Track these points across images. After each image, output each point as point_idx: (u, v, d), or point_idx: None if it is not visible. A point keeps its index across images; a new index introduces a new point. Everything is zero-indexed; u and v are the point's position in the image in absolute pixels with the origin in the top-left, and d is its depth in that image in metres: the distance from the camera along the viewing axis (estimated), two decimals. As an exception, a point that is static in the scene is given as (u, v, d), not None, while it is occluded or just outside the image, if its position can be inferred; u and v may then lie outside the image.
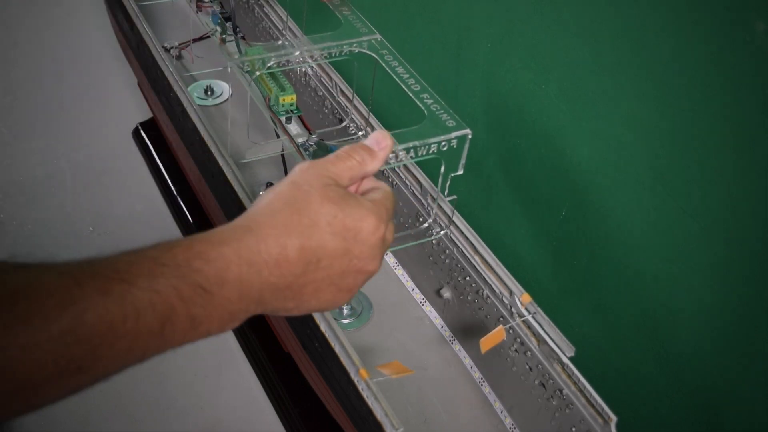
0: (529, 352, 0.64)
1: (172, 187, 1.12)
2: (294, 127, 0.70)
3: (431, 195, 0.73)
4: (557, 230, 0.76)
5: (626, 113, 0.63)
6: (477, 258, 0.69)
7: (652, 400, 0.70)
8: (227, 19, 0.83)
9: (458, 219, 0.71)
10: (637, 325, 0.70)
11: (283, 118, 0.71)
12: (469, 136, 0.63)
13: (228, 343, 0.94)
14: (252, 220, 0.41)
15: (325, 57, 0.72)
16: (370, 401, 0.56)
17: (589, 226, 0.71)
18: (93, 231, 1.09)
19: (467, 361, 0.76)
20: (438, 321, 0.79)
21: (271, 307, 0.41)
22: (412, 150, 0.60)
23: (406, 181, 0.77)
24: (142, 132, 1.22)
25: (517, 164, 0.79)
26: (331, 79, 0.88)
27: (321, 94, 0.91)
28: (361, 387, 0.57)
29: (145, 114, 1.21)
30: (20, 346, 0.31)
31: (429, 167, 0.70)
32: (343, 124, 0.86)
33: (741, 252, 0.57)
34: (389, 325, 0.79)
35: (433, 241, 0.75)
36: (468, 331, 0.75)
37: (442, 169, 0.65)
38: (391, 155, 0.52)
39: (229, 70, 0.71)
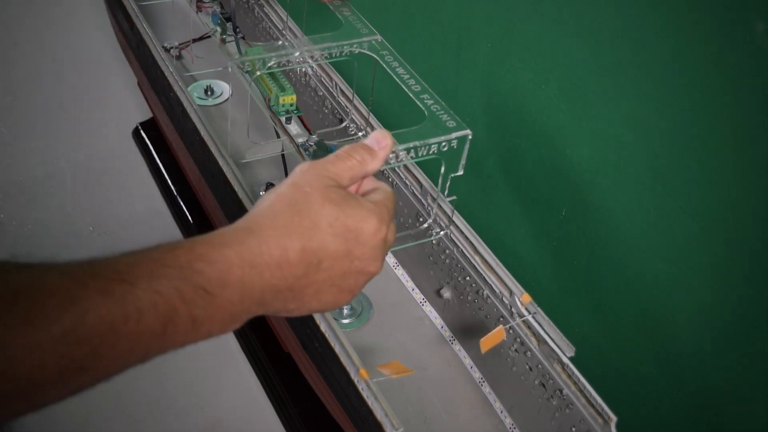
0: (529, 352, 0.64)
1: (172, 187, 1.12)
2: (294, 127, 0.70)
3: (431, 195, 0.73)
4: (557, 230, 0.76)
5: (626, 113, 0.63)
6: (477, 258, 0.69)
7: (652, 400, 0.70)
8: (227, 19, 0.83)
9: (458, 219, 0.71)
10: (637, 325, 0.70)
11: (283, 118, 0.70)
12: (470, 137, 0.63)
13: (228, 344, 0.94)
14: (253, 221, 0.41)
15: (326, 57, 0.72)
16: (370, 401, 0.56)
17: (589, 226, 0.71)
18: (93, 231, 1.09)
19: (467, 361, 0.76)
20: (438, 321, 0.79)
21: (273, 308, 0.42)
22: (412, 150, 0.60)
23: (406, 181, 0.77)
24: (142, 132, 1.22)
25: (517, 164, 0.79)
26: (331, 79, 0.88)
27: (321, 94, 0.91)
28: (361, 387, 0.57)
29: (145, 114, 1.21)
30: (21, 346, 0.31)
31: (429, 167, 0.70)
32: (343, 124, 0.86)
33: (741, 252, 0.57)
34: (389, 325, 0.79)
35: (433, 241, 0.75)
36: (468, 331, 0.75)
37: (442, 169, 0.65)
38: (391, 155, 0.53)
39: (230, 70, 0.71)
